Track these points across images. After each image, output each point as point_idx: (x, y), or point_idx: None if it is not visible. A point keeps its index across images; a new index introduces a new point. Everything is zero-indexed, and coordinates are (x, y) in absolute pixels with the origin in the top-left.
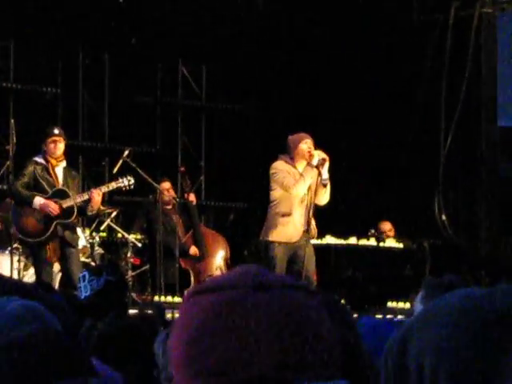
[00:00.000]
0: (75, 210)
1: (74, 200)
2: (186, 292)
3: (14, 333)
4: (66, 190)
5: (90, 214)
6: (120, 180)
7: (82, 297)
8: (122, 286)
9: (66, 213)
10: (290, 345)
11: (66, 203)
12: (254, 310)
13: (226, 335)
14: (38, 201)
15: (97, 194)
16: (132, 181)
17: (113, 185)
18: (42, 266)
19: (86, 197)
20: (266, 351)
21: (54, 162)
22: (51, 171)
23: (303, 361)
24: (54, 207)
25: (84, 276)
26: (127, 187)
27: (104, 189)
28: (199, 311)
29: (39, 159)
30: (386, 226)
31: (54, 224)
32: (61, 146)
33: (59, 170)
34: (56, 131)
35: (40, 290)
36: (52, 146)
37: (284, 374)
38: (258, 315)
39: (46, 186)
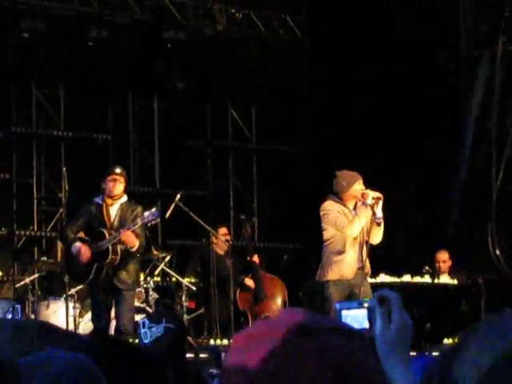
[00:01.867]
0: (109, 252)
1: (108, 242)
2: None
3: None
4: (104, 231)
5: (133, 251)
6: (144, 215)
7: (142, 344)
8: (181, 333)
9: (104, 254)
10: None
11: (103, 246)
12: (299, 359)
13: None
14: (74, 247)
15: (124, 235)
16: (154, 210)
17: (138, 221)
18: (99, 309)
19: (117, 237)
20: None
21: (109, 201)
22: (104, 211)
23: None
24: (83, 252)
25: (144, 323)
26: (152, 221)
27: (131, 226)
28: (245, 358)
29: (97, 199)
30: (443, 256)
31: (94, 267)
32: (120, 186)
33: (114, 208)
34: (117, 170)
35: (95, 339)
36: (111, 184)
37: None
38: (303, 363)
39: (97, 226)
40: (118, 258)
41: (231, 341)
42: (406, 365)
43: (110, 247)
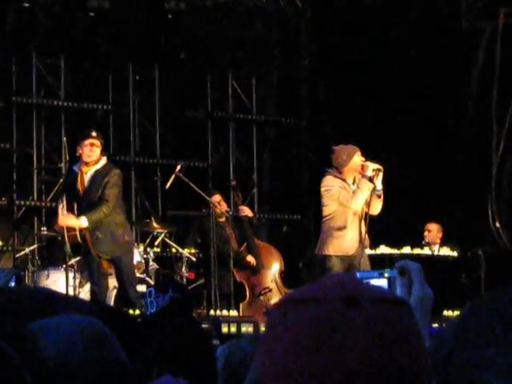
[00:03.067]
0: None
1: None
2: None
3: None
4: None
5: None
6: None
7: (148, 313)
8: (187, 304)
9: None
10: (386, 363)
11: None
12: (344, 328)
13: (321, 353)
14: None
15: (58, 226)
16: None
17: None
18: (97, 279)
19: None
20: (362, 370)
21: (85, 168)
22: (79, 179)
23: (399, 378)
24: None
25: (150, 292)
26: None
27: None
28: (292, 325)
29: (75, 167)
30: (430, 226)
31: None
32: (96, 150)
33: (88, 175)
34: (94, 133)
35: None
36: (88, 149)
37: None
38: (352, 332)
39: (73, 195)
40: (78, 233)
41: (272, 304)
42: (426, 336)
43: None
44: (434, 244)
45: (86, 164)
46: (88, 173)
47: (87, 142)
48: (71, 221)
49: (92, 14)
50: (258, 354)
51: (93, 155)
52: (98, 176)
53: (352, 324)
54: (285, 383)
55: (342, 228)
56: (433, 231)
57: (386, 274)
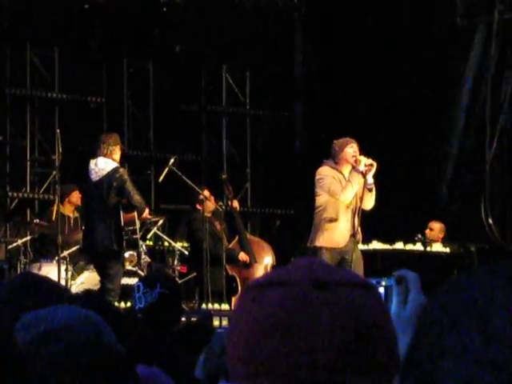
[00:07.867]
0: None
1: None
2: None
3: (68, 339)
4: None
5: None
6: None
7: (137, 308)
8: (176, 299)
9: None
10: (353, 348)
11: None
12: (315, 311)
13: (287, 336)
14: None
15: None
16: None
17: None
18: None
19: None
20: (328, 354)
21: None
22: None
23: (366, 363)
24: None
25: (138, 287)
26: None
27: None
28: (259, 308)
29: None
30: (435, 225)
31: None
32: None
33: None
34: None
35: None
36: None
37: (347, 377)
38: (319, 316)
39: None
40: None
41: (243, 289)
42: None
43: None
44: (435, 242)
45: None
46: None
47: None
48: None
49: (87, 6)
50: (227, 336)
51: None
52: None
53: (319, 307)
54: (250, 365)
55: (333, 220)
56: (435, 230)
57: (384, 283)
